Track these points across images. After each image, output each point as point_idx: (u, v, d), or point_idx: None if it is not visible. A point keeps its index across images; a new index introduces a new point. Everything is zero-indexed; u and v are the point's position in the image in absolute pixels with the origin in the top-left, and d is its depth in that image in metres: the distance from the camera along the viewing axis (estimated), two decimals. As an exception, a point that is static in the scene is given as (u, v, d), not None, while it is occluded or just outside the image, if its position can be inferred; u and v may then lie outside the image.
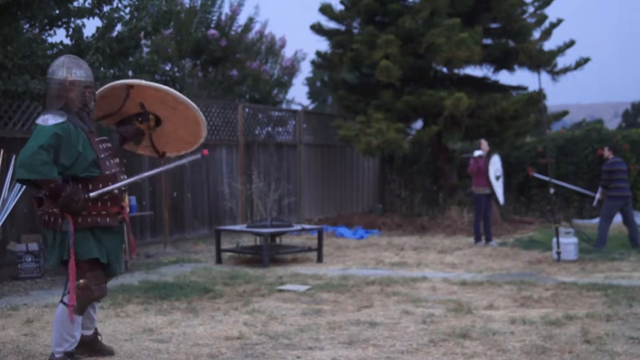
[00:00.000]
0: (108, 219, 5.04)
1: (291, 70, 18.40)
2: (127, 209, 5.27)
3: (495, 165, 12.45)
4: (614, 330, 6.02)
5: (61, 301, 5.03)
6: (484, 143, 12.61)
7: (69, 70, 4.93)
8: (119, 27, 9.66)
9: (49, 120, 4.77)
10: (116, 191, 5.05)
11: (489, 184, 12.34)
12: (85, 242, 4.92)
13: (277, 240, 11.21)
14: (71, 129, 4.81)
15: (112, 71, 9.63)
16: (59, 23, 9.41)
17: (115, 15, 9.50)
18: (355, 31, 16.49)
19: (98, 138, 5.11)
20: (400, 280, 8.68)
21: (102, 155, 5.02)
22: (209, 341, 5.91)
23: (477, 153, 12.50)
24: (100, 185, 4.95)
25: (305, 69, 34.70)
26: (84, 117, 5.05)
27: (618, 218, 11.90)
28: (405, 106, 15.16)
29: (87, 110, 5.07)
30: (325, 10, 16.49)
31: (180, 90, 14.98)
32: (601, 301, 7.34)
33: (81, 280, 4.93)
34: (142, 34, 9.67)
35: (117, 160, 5.20)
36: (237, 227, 11.45)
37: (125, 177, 5.23)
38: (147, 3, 9.61)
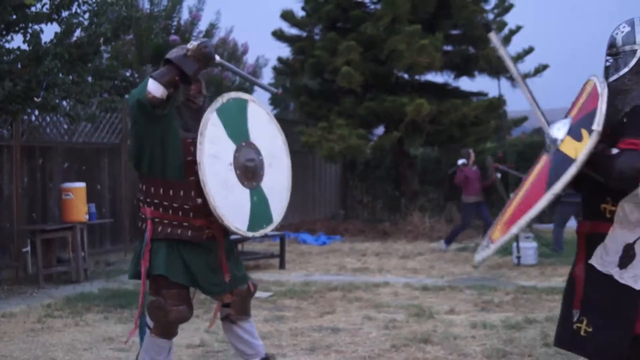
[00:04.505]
0: (189, 232, 4.29)
1: (253, 76, 18.31)
2: (221, 224, 4.31)
3: None
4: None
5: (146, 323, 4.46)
6: (472, 153, 12.77)
7: None
8: (77, 33, 9.54)
9: None
10: (199, 201, 4.24)
11: (478, 192, 12.43)
12: (158, 254, 4.28)
13: (240, 247, 11.16)
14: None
15: (71, 77, 9.51)
16: (16, 28, 9.27)
17: (74, 20, 9.38)
18: (317, 37, 16.52)
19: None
20: (363, 286, 8.70)
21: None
22: (170, 349, 5.84)
23: (460, 162, 12.61)
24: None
25: (267, 75, 34.62)
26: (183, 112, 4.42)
27: (573, 223, 12.00)
28: (366, 112, 15.21)
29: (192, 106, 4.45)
30: (287, 16, 16.50)
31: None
32: (560, 305, 7.41)
33: (154, 298, 4.32)
34: (101, 39, 9.56)
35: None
36: (199, 234, 11.36)
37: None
38: (107, 9, 9.50)
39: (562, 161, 3.33)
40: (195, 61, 4.10)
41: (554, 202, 3.24)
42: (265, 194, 4.44)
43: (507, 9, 16.59)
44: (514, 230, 3.37)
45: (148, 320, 4.39)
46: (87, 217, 9.96)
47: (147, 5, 15.64)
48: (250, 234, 4.42)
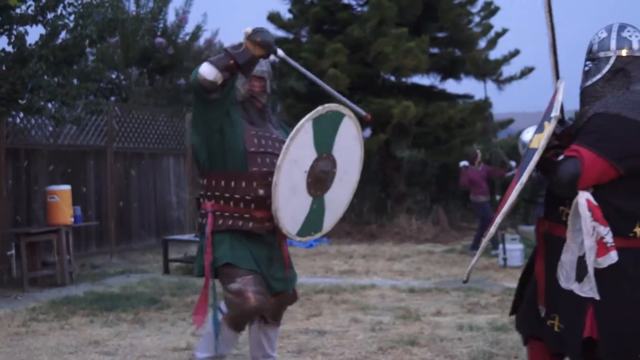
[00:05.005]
0: (251, 224, 4.24)
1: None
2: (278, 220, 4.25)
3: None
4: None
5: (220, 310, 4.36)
6: (479, 153, 12.71)
7: None
8: (63, 35, 9.49)
9: None
10: (262, 192, 4.23)
11: (486, 192, 12.31)
12: (222, 245, 4.22)
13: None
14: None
15: (56, 79, 9.46)
16: (1, 30, 9.21)
17: (60, 22, 9.33)
18: (304, 40, 16.51)
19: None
20: (349, 289, 8.69)
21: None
22: (156, 353, 5.83)
23: (462, 164, 12.60)
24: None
25: (254, 78, 34.61)
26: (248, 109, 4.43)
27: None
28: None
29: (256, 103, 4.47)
30: (274, 18, 16.49)
31: (126, 99, 14.89)
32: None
33: (235, 283, 4.16)
34: (87, 42, 9.52)
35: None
36: (185, 237, 11.35)
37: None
38: (93, 11, 9.46)
39: (529, 154, 3.45)
40: (251, 49, 4.03)
41: (533, 203, 3.40)
42: (325, 205, 4.45)
43: (493, 11, 16.64)
44: (492, 229, 3.52)
45: (222, 309, 4.32)
46: (72, 219, 9.91)
47: (133, 8, 15.61)
48: (298, 239, 4.40)
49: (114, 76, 15.18)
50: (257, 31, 4.02)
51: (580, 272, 3.41)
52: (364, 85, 15.92)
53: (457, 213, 17.03)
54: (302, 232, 4.37)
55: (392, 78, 16.11)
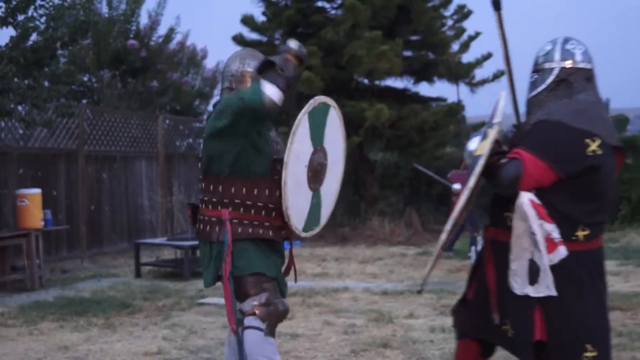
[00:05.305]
0: (271, 232, 4.16)
1: (213, 81, 18.27)
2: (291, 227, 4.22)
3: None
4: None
5: (243, 327, 4.09)
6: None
7: (242, 62, 4.37)
8: (34, 37, 9.41)
9: None
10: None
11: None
12: (245, 253, 4.09)
13: (198, 252, 11.06)
14: None
15: (26, 82, 9.37)
16: (-29, 32, 9.13)
17: (30, 24, 9.25)
18: (277, 42, 16.48)
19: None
20: (322, 291, 8.68)
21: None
22: (127, 357, 5.79)
23: (451, 173, 12.63)
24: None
25: (228, 80, 34.53)
26: None
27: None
28: (327, 118, 15.20)
29: None
30: (247, 21, 16.45)
31: (98, 102, 14.79)
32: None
33: (264, 295, 4.08)
34: (58, 44, 9.45)
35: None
36: (157, 240, 11.28)
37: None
38: (64, 13, 9.39)
39: (475, 161, 3.65)
40: (294, 63, 4.03)
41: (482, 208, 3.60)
42: (322, 198, 4.42)
43: (466, 15, 16.73)
44: (443, 236, 3.68)
45: (252, 322, 4.07)
46: (42, 223, 9.79)
47: (105, 10, 15.53)
48: (303, 234, 4.33)
49: (85, 79, 15.08)
50: (301, 45, 4.03)
51: (532, 274, 3.52)
52: (337, 88, 15.92)
53: (430, 215, 17.08)
54: (306, 228, 4.32)
55: (366, 81, 16.13)
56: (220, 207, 4.12)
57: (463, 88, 16.95)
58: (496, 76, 16.57)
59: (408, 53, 16.52)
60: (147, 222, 13.66)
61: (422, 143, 15.89)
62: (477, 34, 16.64)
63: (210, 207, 4.15)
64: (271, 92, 3.93)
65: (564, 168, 3.47)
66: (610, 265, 10.46)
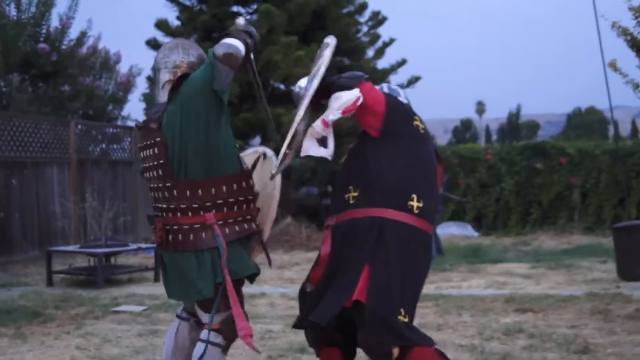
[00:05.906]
0: (253, 225, 4.13)
1: (126, 86, 18.00)
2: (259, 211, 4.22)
3: None
4: (444, 339, 6.25)
5: (207, 341, 4.01)
6: None
7: (186, 52, 4.22)
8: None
9: None
10: (257, 188, 4.21)
11: None
12: (237, 256, 4.02)
13: (112, 260, 10.89)
14: None
15: None
16: None
17: None
18: (192, 47, 16.37)
19: None
20: (239, 297, 8.64)
21: None
22: (37, 368, 5.65)
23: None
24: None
25: (142, 85, 33.98)
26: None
27: (448, 229, 12.32)
28: (243, 123, 15.19)
29: None
30: (161, 25, 16.28)
31: (6, 106, 14.37)
32: (432, 311, 7.63)
33: (228, 313, 4.01)
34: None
35: None
36: (70, 248, 11.04)
37: None
38: (-30, 14, 9.12)
39: (310, 79, 4.42)
40: (245, 36, 4.07)
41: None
42: None
43: (381, 21, 16.99)
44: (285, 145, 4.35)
45: (215, 338, 4.04)
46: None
47: (14, 12, 15.09)
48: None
49: (-7, 82, 14.64)
50: (249, 24, 4.12)
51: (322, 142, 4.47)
52: (253, 93, 15.88)
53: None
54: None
55: (282, 86, 16.19)
56: (202, 211, 4.00)
57: (380, 93, 17.14)
58: (410, 82, 16.89)
59: (325, 58, 16.62)
60: (59, 229, 13.35)
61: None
62: (392, 41, 16.92)
63: (190, 213, 3.99)
64: (233, 41, 3.97)
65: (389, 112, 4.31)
66: (521, 267, 10.79)
